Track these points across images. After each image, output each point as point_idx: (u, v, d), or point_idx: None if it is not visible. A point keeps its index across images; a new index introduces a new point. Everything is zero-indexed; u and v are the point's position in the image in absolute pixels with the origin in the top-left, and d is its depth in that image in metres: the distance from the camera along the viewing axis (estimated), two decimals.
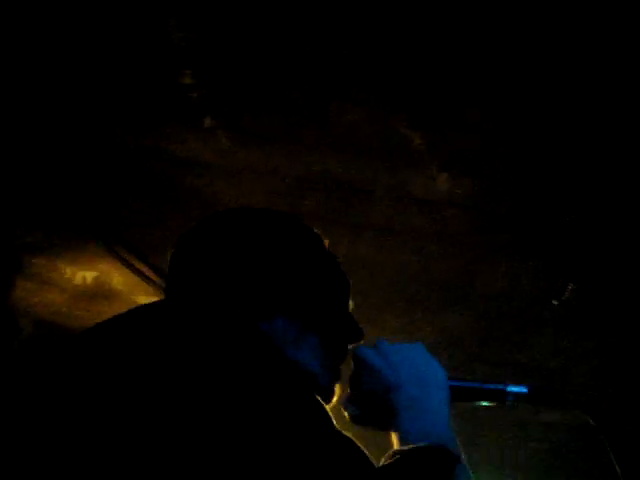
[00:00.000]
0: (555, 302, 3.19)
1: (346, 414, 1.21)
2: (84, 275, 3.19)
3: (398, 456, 1.02)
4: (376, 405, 1.18)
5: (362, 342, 1.26)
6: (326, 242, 1.31)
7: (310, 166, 2.75)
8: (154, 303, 1.23)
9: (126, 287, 3.21)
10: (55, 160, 2.74)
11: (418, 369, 1.18)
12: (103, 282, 3.21)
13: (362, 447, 0.96)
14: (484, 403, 1.28)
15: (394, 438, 1.12)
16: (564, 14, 2.24)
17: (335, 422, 0.98)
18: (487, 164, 2.86)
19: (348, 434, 0.97)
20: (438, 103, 2.62)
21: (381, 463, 1.01)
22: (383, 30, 2.35)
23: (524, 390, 1.24)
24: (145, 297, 3.19)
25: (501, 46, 2.38)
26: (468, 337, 3.53)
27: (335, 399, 1.22)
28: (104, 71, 2.48)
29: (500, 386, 1.25)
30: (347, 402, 1.22)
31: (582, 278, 3.09)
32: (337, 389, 1.23)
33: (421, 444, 1.04)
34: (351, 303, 1.31)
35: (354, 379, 1.21)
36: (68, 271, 3.19)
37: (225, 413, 0.90)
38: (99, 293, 3.31)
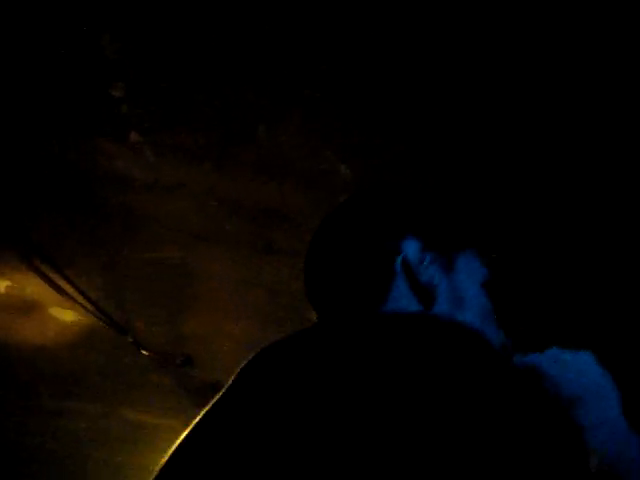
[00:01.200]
0: None
1: None
2: None
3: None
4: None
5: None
6: None
7: (238, 187, 2.74)
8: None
9: (40, 298, 3.13)
10: None
11: (598, 381, 1.08)
12: (17, 292, 3.13)
13: None
14: None
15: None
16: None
17: None
18: None
19: None
20: (369, 136, 2.65)
21: None
22: (322, 52, 2.37)
23: None
24: (59, 309, 3.12)
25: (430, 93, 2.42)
26: None
27: None
28: (32, 83, 2.44)
29: None
30: None
31: None
32: None
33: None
34: None
35: None
36: None
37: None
38: (13, 303, 3.23)
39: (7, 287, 3.12)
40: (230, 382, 0.99)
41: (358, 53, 2.36)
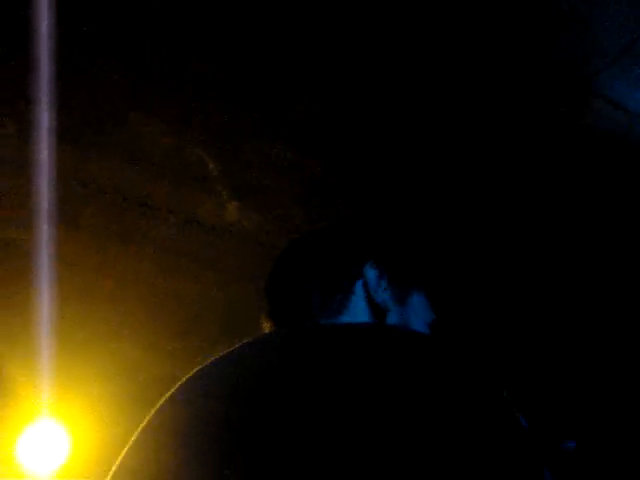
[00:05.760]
0: None
1: None
2: None
3: None
4: None
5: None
6: None
7: (100, 172, 2.65)
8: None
9: None
10: None
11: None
12: None
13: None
14: None
15: None
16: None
17: None
18: (278, 201, 2.90)
19: None
20: (236, 131, 2.64)
21: None
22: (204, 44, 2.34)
23: None
24: None
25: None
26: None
27: None
28: None
29: None
30: None
31: None
32: None
33: None
34: None
35: None
36: None
37: None
38: None
39: None
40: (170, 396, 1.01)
41: (237, 52, 2.35)
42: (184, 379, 1.00)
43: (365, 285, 1.36)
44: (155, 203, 2.81)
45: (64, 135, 2.52)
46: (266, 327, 1.39)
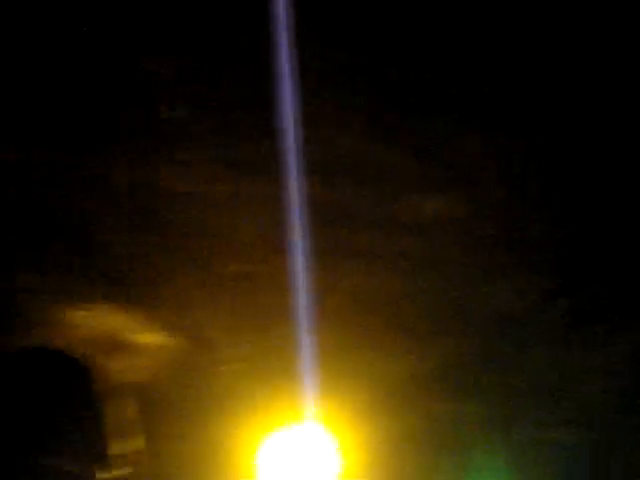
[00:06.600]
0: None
1: None
2: None
3: None
4: None
5: None
6: None
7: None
8: None
9: (120, 326, 3.17)
10: None
11: None
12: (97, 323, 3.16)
13: None
14: None
15: None
16: None
17: None
18: (476, 186, 2.86)
19: None
20: (426, 126, 2.63)
21: None
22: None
23: None
24: (142, 334, 3.15)
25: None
26: (469, 360, 3.49)
27: None
28: None
29: None
30: None
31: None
32: None
33: None
34: None
35: None
36: None
37: None
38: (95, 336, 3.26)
39: (85, 317, 3.14)
40: None
41: None
42: None
43: None
44: (353, 210, 2.86)
45: None
46: None
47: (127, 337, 3.22)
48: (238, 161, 2.64)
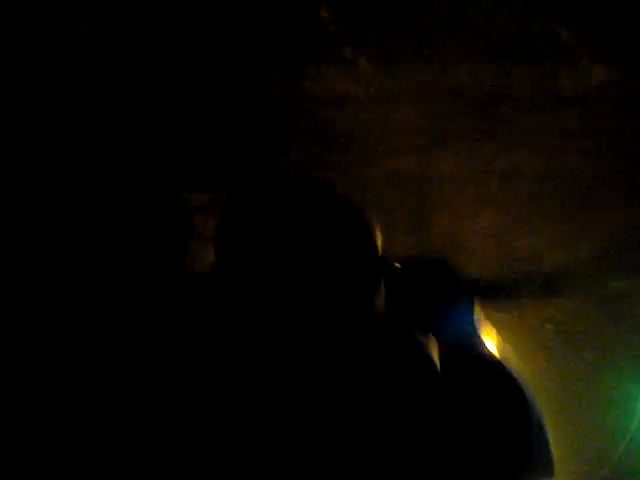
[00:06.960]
0: None
1: None
2: None
3: None
4: None
5: None
6: None
7: (458, 77, 2.72)
8: None
9: None
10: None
11: None
12: None
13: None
14: None
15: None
16: None
17: None
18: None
19: None
20: None
21: None
22: None
23: None
24: None
25: None
26: None
27: None
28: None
29: None
30: None
31: None
32: None
33: None
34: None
35: None
36: None
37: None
38: None
39: None
40: None
41: None
42: None
43: None
44: (513, 91, 2.82)
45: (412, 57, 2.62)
46: None
47: None
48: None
